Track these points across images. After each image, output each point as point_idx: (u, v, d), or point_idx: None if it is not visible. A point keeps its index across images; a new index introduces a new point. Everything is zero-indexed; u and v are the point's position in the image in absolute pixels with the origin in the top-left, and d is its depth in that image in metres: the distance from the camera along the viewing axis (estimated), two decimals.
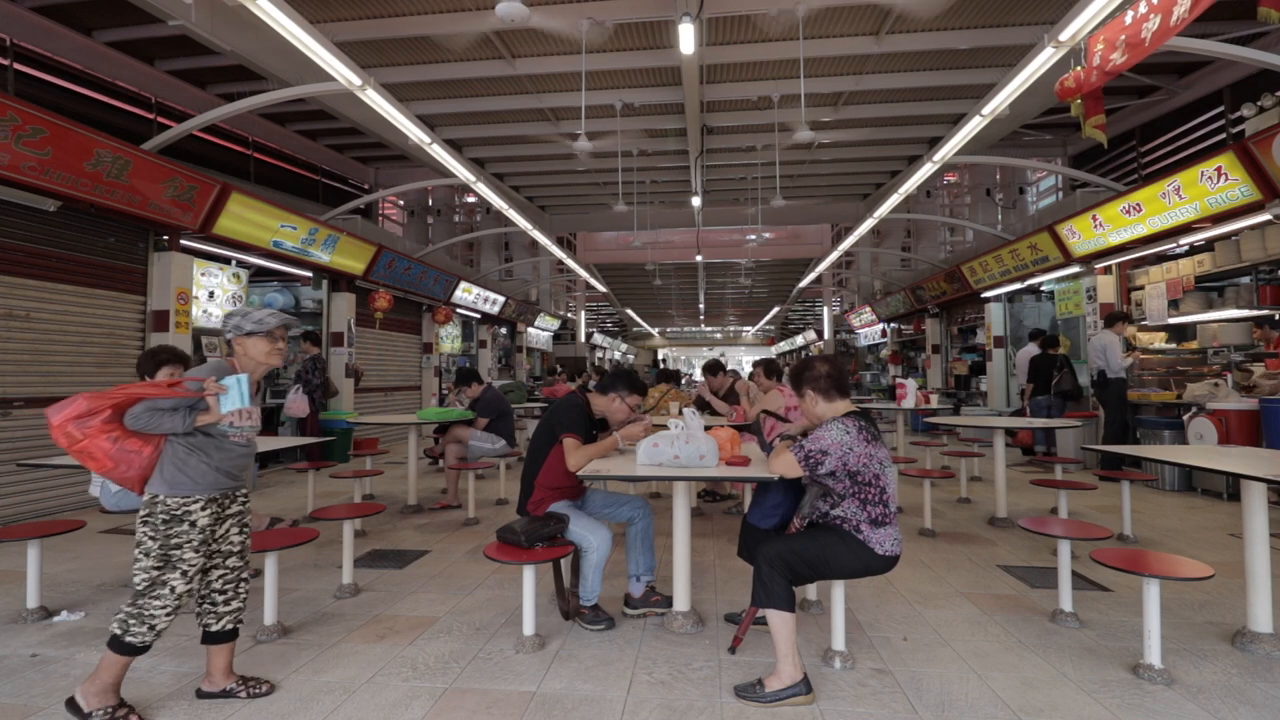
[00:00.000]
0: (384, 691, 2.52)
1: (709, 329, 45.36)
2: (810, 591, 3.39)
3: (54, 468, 3.96)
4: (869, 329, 18.44)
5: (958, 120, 7.74)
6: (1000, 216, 13.67)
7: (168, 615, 2.26)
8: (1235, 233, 6.43)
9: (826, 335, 23.95)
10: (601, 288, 19.53)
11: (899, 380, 7.31)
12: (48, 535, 3.33)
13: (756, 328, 41.43)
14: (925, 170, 7.79)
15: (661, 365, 22.27)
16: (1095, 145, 11.13)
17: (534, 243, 12.68)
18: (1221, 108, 9.04)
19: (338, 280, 9.29)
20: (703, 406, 6.38)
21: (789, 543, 2.56)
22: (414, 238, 14.34)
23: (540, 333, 19.65)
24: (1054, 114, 9.98)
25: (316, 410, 7.62)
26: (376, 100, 5.56)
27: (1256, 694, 2.50)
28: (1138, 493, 6.34)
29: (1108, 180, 8.36)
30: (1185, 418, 6.35)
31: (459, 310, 13.33)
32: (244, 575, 2.51)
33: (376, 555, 4.40)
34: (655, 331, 42.33)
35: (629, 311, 30.61)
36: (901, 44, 8.00)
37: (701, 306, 31.15)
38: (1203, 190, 5.96)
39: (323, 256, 8.49)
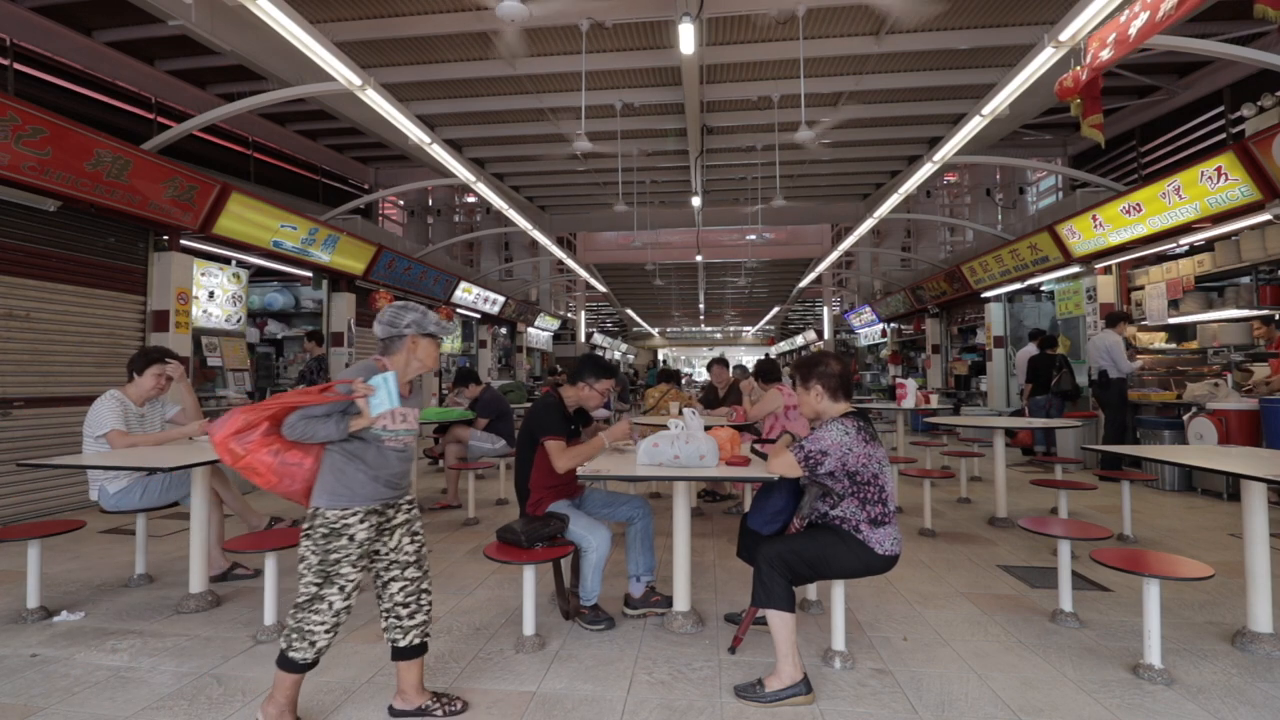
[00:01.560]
0: (384, 691, 2.51)
1: (709, 329, 45.36)
2: (810, 591, 3.39)
3: (54, 467, 3.96)
4: (869, 329, 18.44)
5: (958, 120, 7.74)
6: (1000, 216, 13.67)
7: (327, 631, 2.18)
8: (1235, 233, 6.43)
9: (826, 335, 23.95)
10: (601, 288, 19.53)
11: (899, 380, 7.32)
12: (48, 535, 3.33)
13: (756, 328, 41.44)
14: (925, 170, 7.79)
15: (662, 365, 22.27)
16: (1095, 145, 11.13)
17: (534, 243, 12.68)
18: (1221, 108, 9.04)
19: (338, 280, 9.29)
20: (710, 400, 6.44)
21: (789, 543, 2.56)
22: (414, 238, 14.34)
23: (540, 333, 19.65)
24: (1054, 114, 9.99)
25: None
26: (376, 100, 5.56)
27: (1256, 694, 2.50)
28: (1138, 493, 6.34)
29: (1108, 180, 8.36)
30: (1185, 418, 6.35)
31: (459, 310, 13.33)
32: (425, 586, 2.39)
33: None
34: (655, 331, 42.34)
35: (629, 311, 30.61)
36: (901, 44, 8.00)
37: (701, 306, 31.16)
38: (1203, 190, 5.96)
39: (323, 256, 8.49)
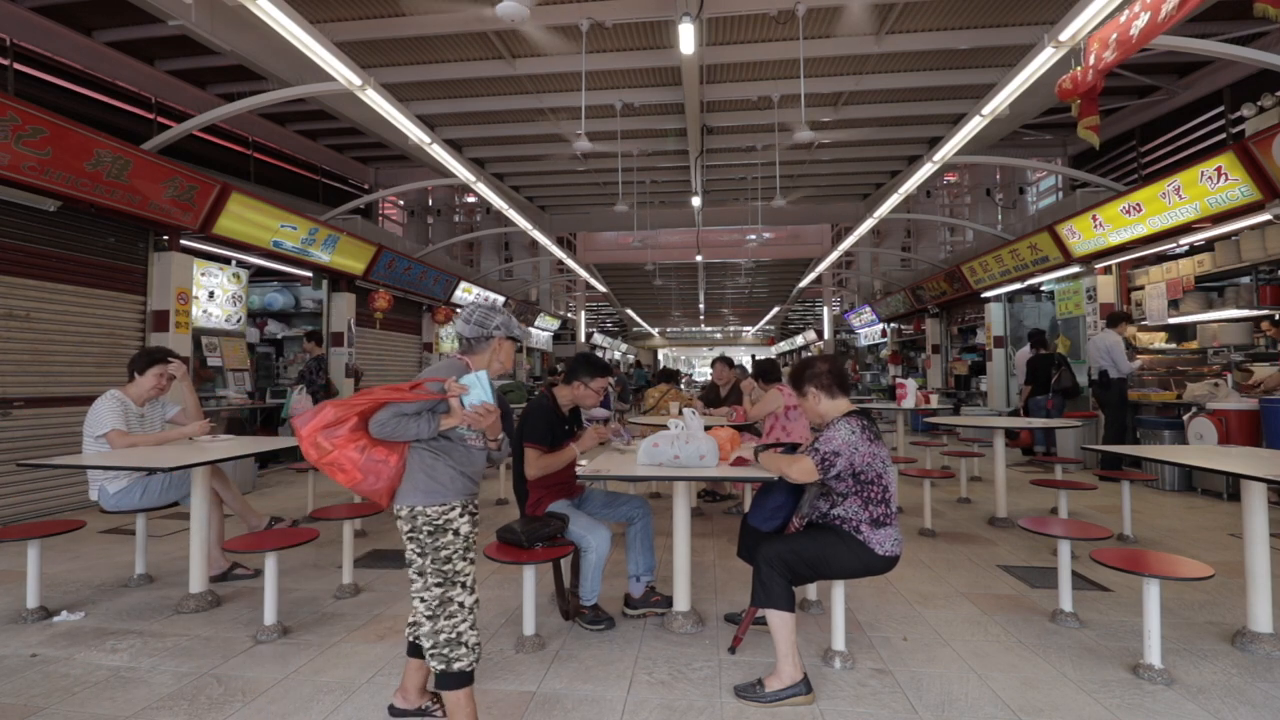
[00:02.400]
0: (384, 691, 2.52)
1: (709, 329, 45.35)
2: (810, 591, 3.39)
3: (54, 467, 3.96)
4: (869, 329, 18.44)
5: (958, 120, 7.74)
6: (1000, 216, 13.67)
7: (472, 629, 2.17)
8: (1235, 233, 6.43)
9: (826, 335, 23.94)
10: (601, 288, 19.53)
11: (899, 380, 7.31)
12: (48, 535, 3.33)
13: (756, 328, 41.41)
14: (925, 170, 7.79)
15: (661, 366, 22.28)
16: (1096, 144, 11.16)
17: (534, 243, 12.68)
18: (1221, 108, 9.04)
19: (338, 280, 9.28)
20: (711, 398, 6.44)
21: (789, 543, 2.56)
22: (414, 238, 14.34)
23: (540, 333, 19.66)
24: (1054, 114, 9.98)
25: None
26: (376, 100, 5.56)
27: (1256, 694, 2.50)
28: (1138, 493, 6.34)
29: (1108, 180, 8.36)
30: (1185, 418, 6.35)
31: (459, 310, 13.32)
32: None
33: (376, 555, 4.40)
34: (655, 331, 42.33)
35: (629, 311, 30.60)
36: (901, 44, 8.00)
37: (701, 306, 31.15)
38: (1203, 190, 5.96)
39: (323, 256, 8.49)
